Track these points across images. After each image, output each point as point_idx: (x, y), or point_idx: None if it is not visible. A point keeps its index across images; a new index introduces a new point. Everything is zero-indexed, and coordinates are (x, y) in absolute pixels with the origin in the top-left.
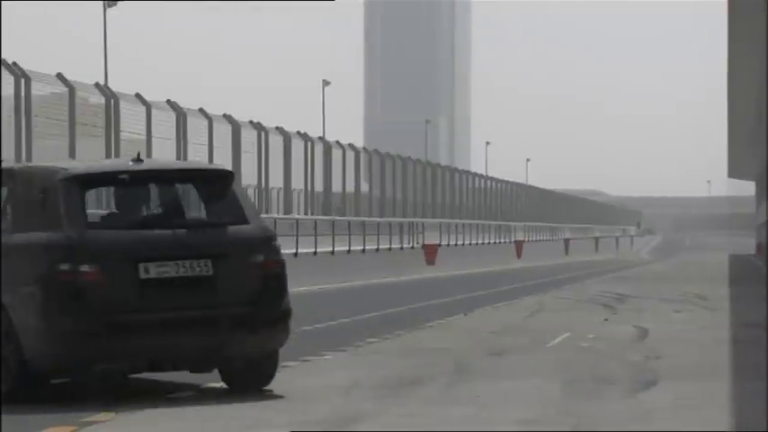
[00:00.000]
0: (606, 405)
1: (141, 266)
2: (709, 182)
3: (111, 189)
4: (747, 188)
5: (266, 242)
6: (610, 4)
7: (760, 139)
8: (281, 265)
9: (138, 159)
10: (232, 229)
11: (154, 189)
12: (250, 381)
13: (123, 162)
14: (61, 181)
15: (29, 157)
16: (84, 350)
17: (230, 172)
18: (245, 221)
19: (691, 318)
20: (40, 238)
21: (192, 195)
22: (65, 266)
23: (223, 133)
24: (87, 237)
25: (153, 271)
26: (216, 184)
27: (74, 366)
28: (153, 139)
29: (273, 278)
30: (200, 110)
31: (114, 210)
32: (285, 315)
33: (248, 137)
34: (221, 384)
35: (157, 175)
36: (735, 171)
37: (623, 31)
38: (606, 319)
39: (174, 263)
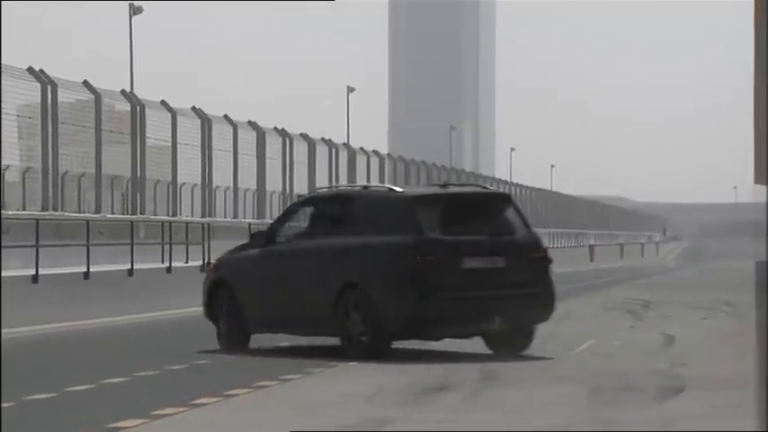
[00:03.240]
0: (632, 412)
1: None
2: (735, 188)
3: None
4: None
5: (535, 244)
6: (635, 5)
7: None
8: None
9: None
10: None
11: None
12: (512, 346)
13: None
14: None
15: (55, 165)
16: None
17: (507, 195)
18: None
19: (717, 325)
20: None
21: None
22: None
23: (248, 140)
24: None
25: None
26: (498, 204)
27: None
28: (178, 145)
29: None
30: (225, 116)
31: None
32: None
33: (273, 143)
34: (247, 391)
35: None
36: (761, 177)
37: (649, 35)
38: (632, 326)
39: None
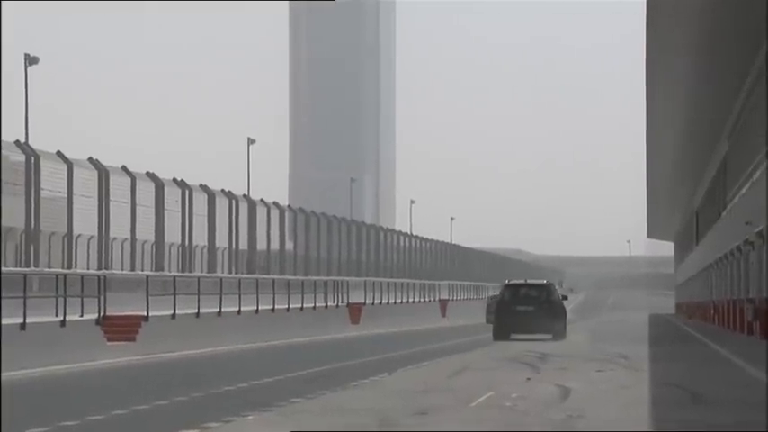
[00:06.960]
0: None
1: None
2: (629, 242)
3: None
4: (666, 248)
5: (552, 299)
6: (530, 73)
7: (678, 200)
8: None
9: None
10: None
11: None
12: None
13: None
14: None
15: None
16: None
17: (549, 283)
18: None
19: (612, 377)
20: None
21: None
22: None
23: (146, 191)
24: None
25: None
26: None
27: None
28: (74, 197)
29: (558, 308)
30: (123, 168)
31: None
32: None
33: (172, 195)
34: None
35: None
36: (654, 231)
37: (545, 95)
38: (529, 378)
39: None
